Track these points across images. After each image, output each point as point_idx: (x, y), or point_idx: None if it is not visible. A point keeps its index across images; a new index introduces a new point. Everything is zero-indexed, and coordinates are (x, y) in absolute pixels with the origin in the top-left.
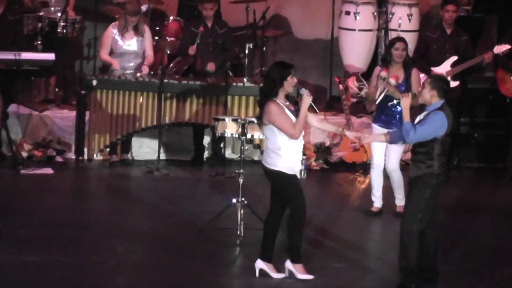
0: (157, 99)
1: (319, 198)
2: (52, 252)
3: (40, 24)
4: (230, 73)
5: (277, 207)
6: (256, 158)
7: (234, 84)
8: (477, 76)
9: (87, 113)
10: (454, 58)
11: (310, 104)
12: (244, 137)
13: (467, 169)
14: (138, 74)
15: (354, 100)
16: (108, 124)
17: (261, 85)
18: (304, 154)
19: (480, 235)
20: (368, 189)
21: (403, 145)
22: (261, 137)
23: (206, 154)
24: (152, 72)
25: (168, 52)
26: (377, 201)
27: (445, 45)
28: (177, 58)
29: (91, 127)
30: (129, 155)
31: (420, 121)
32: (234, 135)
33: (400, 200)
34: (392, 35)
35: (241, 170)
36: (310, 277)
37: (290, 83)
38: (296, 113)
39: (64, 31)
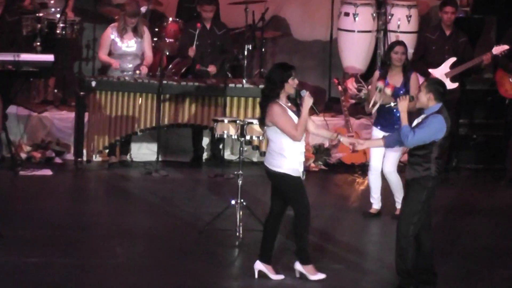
0: (156, 100)
1: (318, 199)
2: (51, 253)
3: (39, 25)
4: (229, 74)
5: (277, 208)
6: (255, 159)
7: (233, 85)
8: (476, 78)
9: (86, 114)
10: (453, 59)
11: (311, 106)
12: (243, 138)
13: (466, 170)
14: (138, 72)
15: (353, 101)
16: (107, 125)
17: (263, 87)
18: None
19: (479, 236)
20: (367, 191)
21: (401, 148)
22: (260, 138)
23: (205, 155)
24: (151, 73)
25: (167, 53)
26: (376, 203)
27: (444, 46)
28: (176, 59)
29: (90, 128)
30: (128, 156)
31: (418, 124)
32: (233, 136)
33: (400, 204)
34: (391, 36)
35: (240, 172)
36: (322, 276)
37: (291, 85)
38: (297, 114)
39: (63, 32)
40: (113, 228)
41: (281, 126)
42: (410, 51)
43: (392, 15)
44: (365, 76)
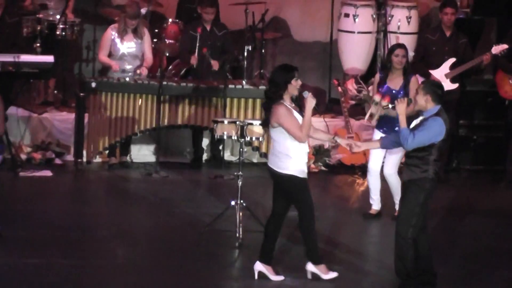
0: (156, 101)
1: (318, 200)
2: (51, 254)
3: (39, 27)
4: (229, 75)
5: (279, 209)
6: (255, 160)
7: (233, 86)
8: (476, 79)
9: (86, 115)
10: (453, 60)
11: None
12: (243, 139)
13: (466, 171)
14: (138, 71)
15: (353, 102)
16: (107, 127)
17: (266, 88)
18: None
19: (479, 237)
20: (367, 192)
21: (402, 150)
22: (260, 139)
23: (205, 156)
24: (151, 74)
25: (167, 54)
26: (375, 204)
27: (444, 47)
28: (176, 60)
29: (90, 129)
30: (128, 157)
31: (416, 127)
32: (233, 138)
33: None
34: (391, 37)
35: (240, 173)
36: (335, 274)
37: (294, 86)
38: (301, 114)
39: (63, 33)
40: (113, 229)
41: (287, 127)
42: (411, 54)
43: (392, 16)
44: (365, 77)
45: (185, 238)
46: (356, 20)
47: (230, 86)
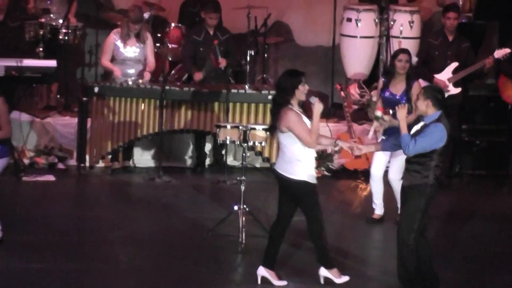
0: (159, 106)
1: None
2: (54, 259)
3: (41, 31)
4: (232, 80)
5: (285, 215)
6: (258, 165)
7: (236, 91)
8: (478, 83)
9: (89, 120)
10: (455, 64)
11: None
12: (245, 144)
13: (469, 176)
14: (140, 81)
15: (356, 107)
16: (109, 131)
17: (273, 94)
18: None
19: (481, 241)
20: (370, 196)
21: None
22: (263, 144)
23: (207, 161)
24: (153, 79)
25: (170, 59)
26: (378, 209)
27: (447, 52)
28: (178, 65)
29: (92, 134)
30: (130, 162)
31: (417, 132)
32: (235, 142)
33: None
34: (394, 42)
35: (243, 177)
36: (347, 278)
37: (301, 91)
38: (309, 119)
39: (66, 38)
40: (116, 234)
41: (297, 133)
42: (414, 59)
43: (394, 20)
44: (368, 82)
45: (187, 242)
46: (359, 24)
47: (233, 90)
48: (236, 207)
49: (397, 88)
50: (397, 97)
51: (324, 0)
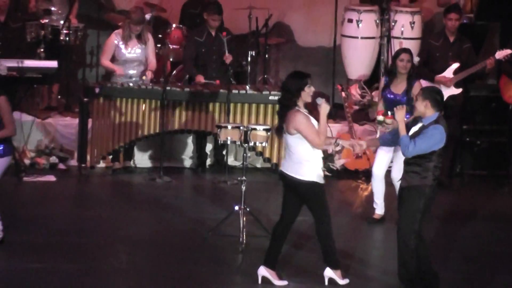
0: (160, 106)
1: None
2: (54, 259)
3: (43, 32)
4: (233, 81)
5: (289, 215)
6: (258, 165)
7: (237, 91)
8: (480, 84)
9: (90, 120)
10: (457, 65)
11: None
12: (246, 145)
13: (470, 176)
14: (144, 77)
15: (357, 107)
16: (110, 132)
17: (279, 96)
18: None
19: (482, 241)
20: (371, 197)
21: None
22: (263, 144)
23: (208, 161)
24: (155, 80)
25: (171, 59)
26: (379, 209)
27: (448, 52)
28: (179, 65)
29: (93, 134)
30: (131, 162)
31: (416, 134)
32: (236, 143)
33: None
34: (395, 42)
35: (244, 177)
36: (347, 281)
37: (307, 93)
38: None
39: (67, 38)
40: (117, 234)
41: (306, 134)
42: (416, 59)
43: (395, 21)
44: (369, 83)
45: (188, 242)
46: (360, 25)
47: (234, 91)
48: (236, 207)
49: (398, 87)
50: (398, 97)
51: (325, 1)
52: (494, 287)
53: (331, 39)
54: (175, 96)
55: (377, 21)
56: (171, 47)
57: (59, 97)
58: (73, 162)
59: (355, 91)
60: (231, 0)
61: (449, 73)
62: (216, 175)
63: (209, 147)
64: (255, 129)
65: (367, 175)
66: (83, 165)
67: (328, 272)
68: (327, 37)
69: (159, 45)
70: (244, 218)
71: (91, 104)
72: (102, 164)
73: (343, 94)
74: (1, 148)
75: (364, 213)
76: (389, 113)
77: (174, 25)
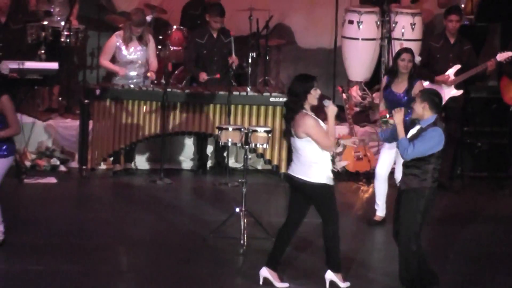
0: (161, 108)
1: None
2: (55, 261)
3: (43, 33)
4: (234, 82)
5: (295, 218)
6: (259, 167)
7: (238, 93)
8: (480, 85)
9: (91, 122)
10: (457, 66)
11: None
12: (247, 146)
13: (470, 178)
14: (149, 74)
15: (357, 109)
16: (111, 133)
17: (286, 100)
18: None
19: (482, 243)
20: (372, 199)
21: None
22: (264, 146)
23: (209, 163)
24: (155, 81)
25: (174, 61)
26: (380, 210)
27: (449, 54)
28: (180, 67)
29: (94, 136)
30: (132, 164)
31: (414, 136)
32: (237, 144)
33: None
34: (396, 44)
35: (245, 179)
36: (348, 284)
37: (314, 96)
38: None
39: (68, 40)
40: (118, 236)
41: (316, 138)
42: (418, 58)
43: (396, 23)
44: (369, 84)
45: (189, 244)
46: (360, 26)
47: (235, 93)
48: (237, 209)
49: (400, 87)
50: (398, 96)
51: (326, 2)
52: None
53: (332, 40)
54: (175, 97)
55: (378, 23)
56: (172, 49)
57: (59, 98)
58: (74, 164)
59: (355, 92)
60: (232, 1)
61: (450, 74)
62: (217, 177)
63: (209, 149)
64: (256, 131)
65: (367, 177)
66: (83, 167)
67: (329, 275)
68: (328, 39)
69: (159, 47)
70: (245, 220)
71: (91, 105)
72: (103, 166)
73: (344, 95)
74: (5, 147)
75: (365, 215)
76: (391, 113)
77: (174, 27)
